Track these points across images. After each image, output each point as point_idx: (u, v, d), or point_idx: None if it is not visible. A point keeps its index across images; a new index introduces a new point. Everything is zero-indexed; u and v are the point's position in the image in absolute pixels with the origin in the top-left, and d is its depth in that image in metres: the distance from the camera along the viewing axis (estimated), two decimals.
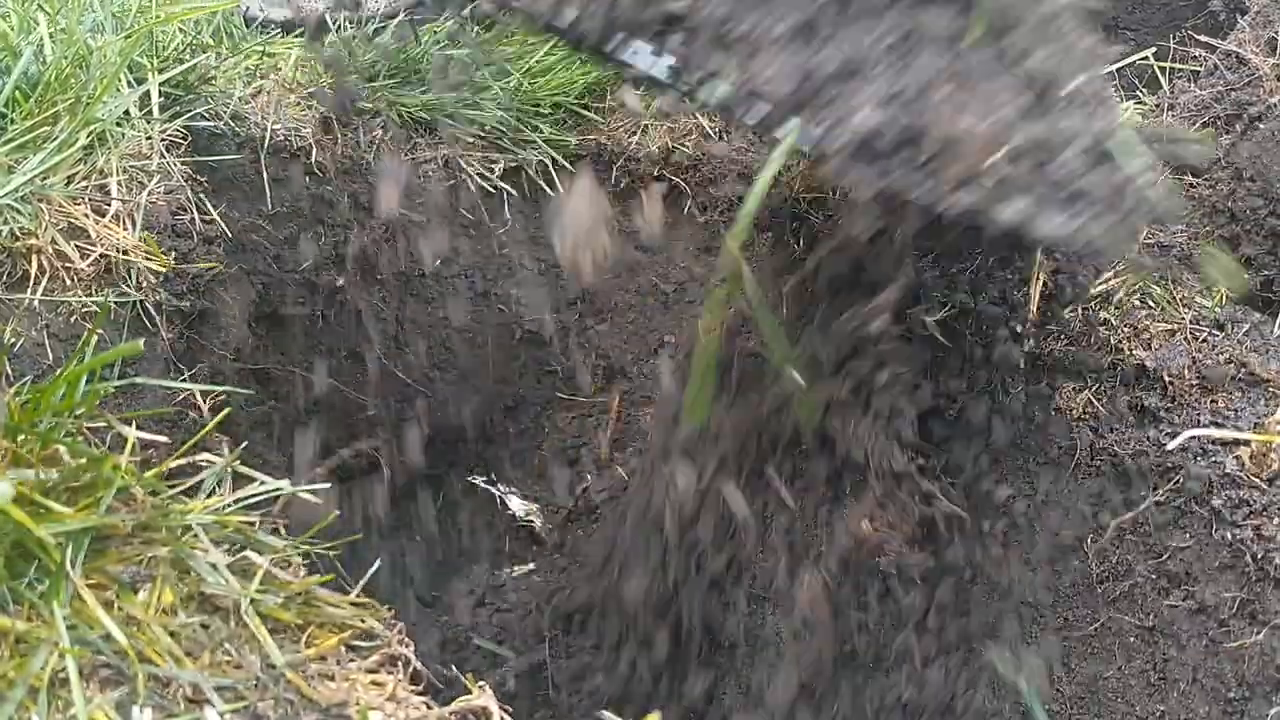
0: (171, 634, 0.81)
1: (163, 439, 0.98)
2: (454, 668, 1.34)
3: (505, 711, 0.87)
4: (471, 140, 1.84)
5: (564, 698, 1.59)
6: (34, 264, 1.09)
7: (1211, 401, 0.97)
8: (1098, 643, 1.04)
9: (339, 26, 1.78)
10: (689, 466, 1.27)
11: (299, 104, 1.68)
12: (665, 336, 1.77)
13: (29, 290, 1.08)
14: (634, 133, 1.87)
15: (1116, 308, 1.06)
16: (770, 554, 1.34)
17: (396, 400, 1.90)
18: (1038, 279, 1.10)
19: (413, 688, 0.87)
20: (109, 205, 1.20)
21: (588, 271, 1.07)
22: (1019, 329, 1.07)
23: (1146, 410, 0.99)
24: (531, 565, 1.81)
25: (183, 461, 0.97)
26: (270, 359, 1.69)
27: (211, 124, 1.52)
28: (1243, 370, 0.97)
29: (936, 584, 1.18)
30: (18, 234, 1.09)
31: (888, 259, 1.05)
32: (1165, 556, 0.97)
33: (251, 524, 0.92)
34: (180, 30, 1.54)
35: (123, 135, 1.29)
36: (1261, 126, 1.06)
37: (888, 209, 0.97)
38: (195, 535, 0.87)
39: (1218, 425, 0.95)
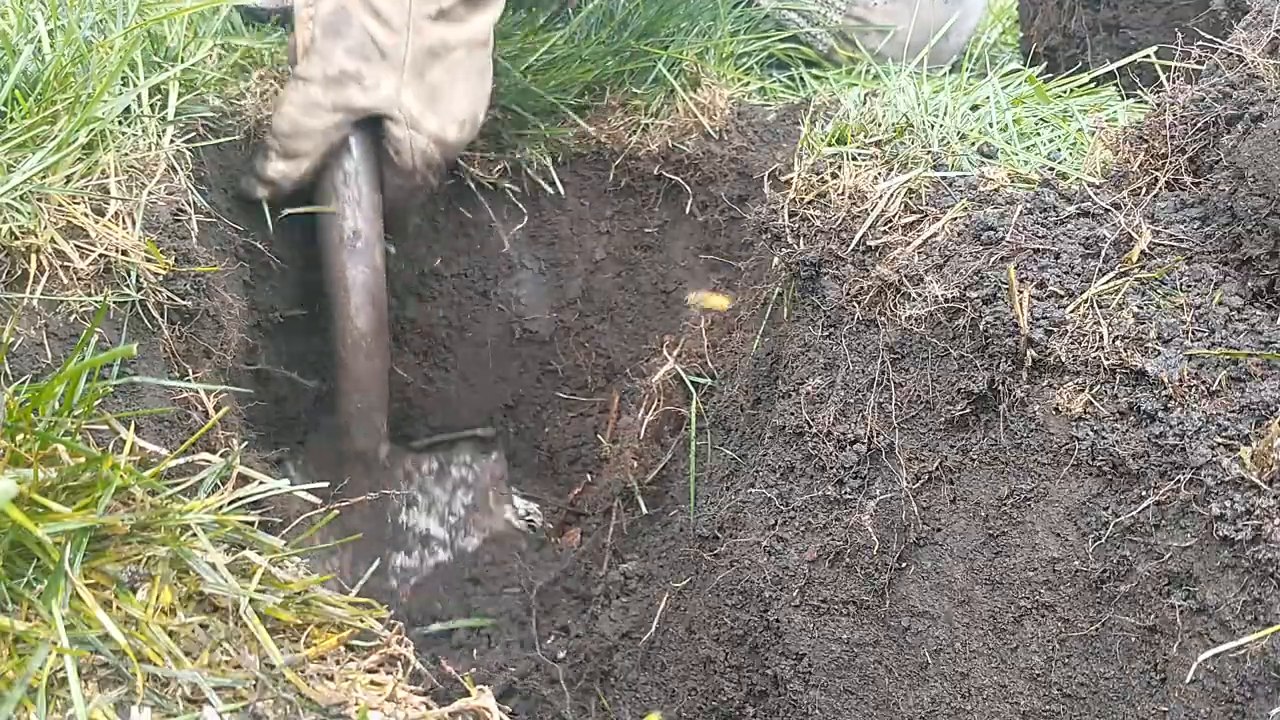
0: (170, 634, 0.81)
1: (162, 450, 0.98)
2: (453, 668, 1.34)
3: (505, 712, 0.86)
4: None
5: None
6: (33, 263, 1.09)
7: (1212, 402, 0.96)
8: (1098, 643, 1.04)
9: None
10: None
11: None
12: (665, 336, 1.77)
13: (28, 289, 1.08)
14: (634, 132, 1.87)
15: (1117, 307, 1.06)
16: None
17: (396, 400, 1.90)
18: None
19: (412, 688, 0.87)
20: (108, 204, 1.20)
21: None
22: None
23: (1146, 410, 0.99)
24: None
25: (182, 461, 0.97)
26: (270, 359, 1.69)
27: (211, 122, 1.52)
28: (1243, 370, 0.97)
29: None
30: (17, 233, 1.09)
31: None
32: (1165, 557, 0.97)
33: (251, 524, 0.92)
34: (179, 27, 1.54)
35: (122, 134, 1.29)
36: (1262, 126, 1.06)
37: None
38: (194, 535, 0.87)
39: (1218, 426, 0.95)
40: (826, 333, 1.34)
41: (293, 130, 1.53)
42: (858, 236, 1.30)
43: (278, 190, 1.59)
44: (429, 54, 1.57)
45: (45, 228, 1.11)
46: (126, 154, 1.27)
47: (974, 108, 1.49)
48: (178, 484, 0.94)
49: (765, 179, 1.57)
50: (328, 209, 1.60)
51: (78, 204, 1.17)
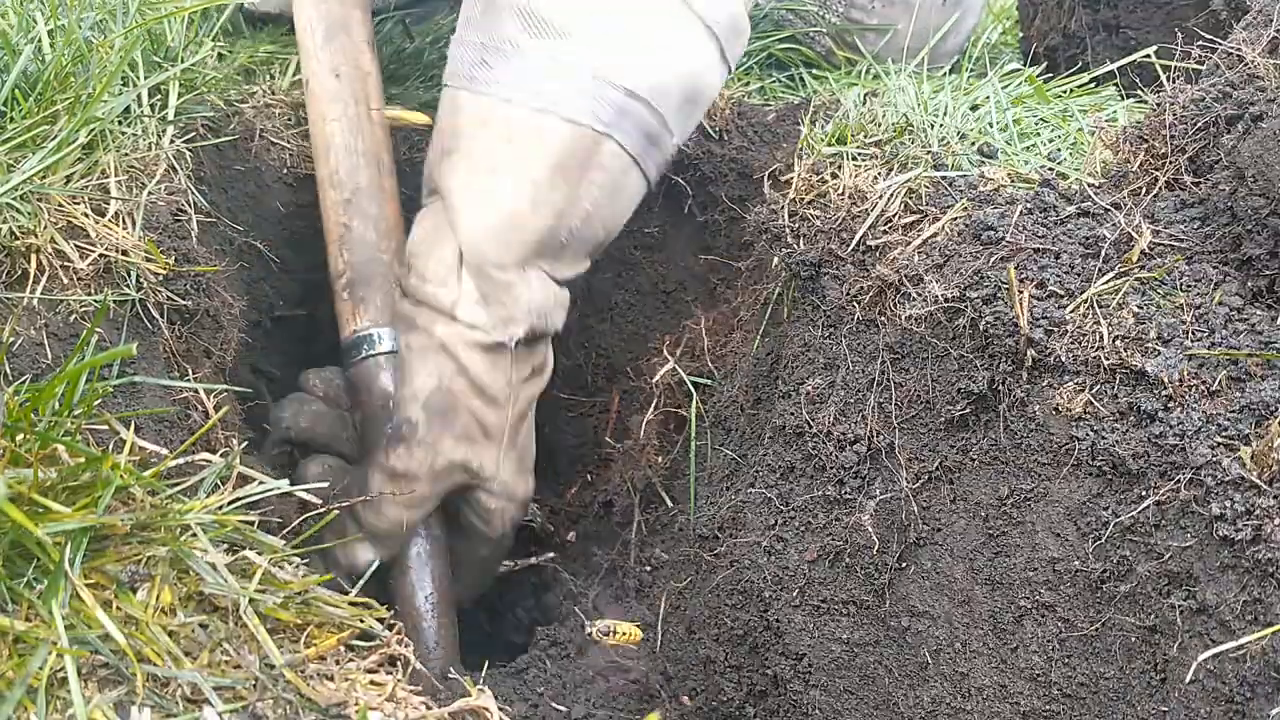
0: (170, 634, 0.81)
1: (162, 450, 0.98)
2: (453, 668, 1.34)
3: (504, 712, 0.87)
4: None
5: None
6: (33, 263, 1.09)
7: (1212, 402, 0.97)
8: (1098, 643, 1.04)
9: None
10: None
11: (296, 98, 1.68)
12: (665, 336, 1.77)
13: (28, 289, 1.08)
14: None
15: (1117, 307, 1.06)
16: None
17: None
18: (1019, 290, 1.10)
19: (412, 688, 0.88)
20: (108, 204, 1.20)
21: None
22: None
23: (1146, 410, 0.99)
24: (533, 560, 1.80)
25: (182, 461, 0.97)
26: (270, 359, 1.69)
27: (211, 122, 1.52)
28: (1243, 370, 0.97)
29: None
30: (16, 233, 1.09)
31: None
32: (1165, 557, 0.97)
33: (251, 524, 0.92)
34: (180, 27, 1.54)
35: (122, 134, 1.29)
36: (1262, 126, 1.06)
37: None
38: (194, 535, 0.87)
39: (1218, 426, 0.95)
40: (826, 333, 1.34)
41: (392, 530, 1.36)
42: (858, 236, 1.30)
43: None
44: (520, 417, 1.42)
45: (45, 228, 1.11)
46: (126, 154, 1.27)
47: (974, 108, 1.49)
48: (178, 484, 0.94)
49: (765, 179, 1.57)
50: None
51: (78, 204, 1.17)
